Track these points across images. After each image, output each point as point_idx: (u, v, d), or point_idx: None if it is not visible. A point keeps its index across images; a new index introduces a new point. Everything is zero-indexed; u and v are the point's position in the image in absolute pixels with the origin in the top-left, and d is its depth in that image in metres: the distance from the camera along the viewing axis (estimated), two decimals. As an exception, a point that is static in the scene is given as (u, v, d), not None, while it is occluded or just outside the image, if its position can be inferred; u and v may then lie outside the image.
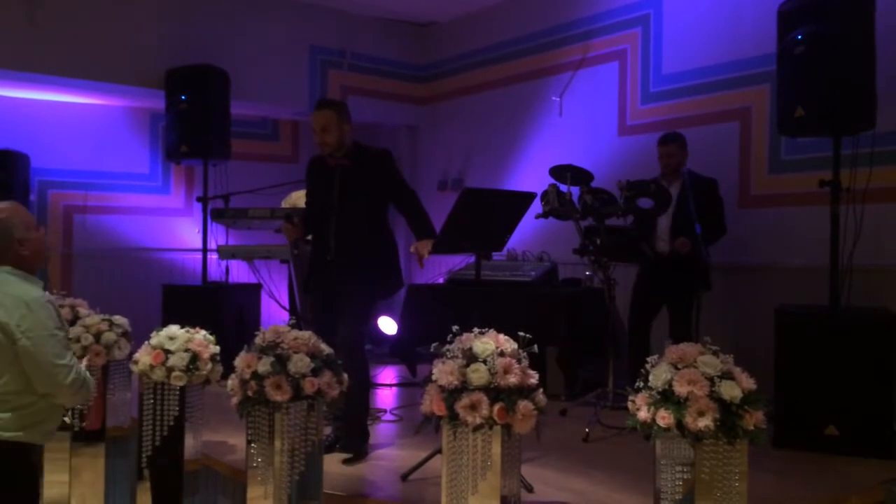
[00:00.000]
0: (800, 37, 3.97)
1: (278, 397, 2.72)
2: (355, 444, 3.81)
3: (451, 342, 2.52)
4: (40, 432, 2.54)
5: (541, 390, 2.47)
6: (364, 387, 3.89)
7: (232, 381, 2.81)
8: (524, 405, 2.37)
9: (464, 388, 2.39)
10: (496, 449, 2.39)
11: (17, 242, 2.54)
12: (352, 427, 3.83)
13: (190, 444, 3.35)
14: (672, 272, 4.91)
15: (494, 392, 2.37)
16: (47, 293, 2.60)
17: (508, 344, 2.49)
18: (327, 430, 3.73)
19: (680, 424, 2.22)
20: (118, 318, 3.83)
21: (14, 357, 2.43)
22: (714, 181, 4.98)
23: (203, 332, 3.45)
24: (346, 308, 3.81)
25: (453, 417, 2.39)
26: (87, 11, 6.12)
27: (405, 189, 3.98)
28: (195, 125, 6.20)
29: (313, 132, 3.86)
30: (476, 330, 2.54)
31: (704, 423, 2.20)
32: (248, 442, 2.90)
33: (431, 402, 2.44)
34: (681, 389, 2.25)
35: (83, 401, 2.81)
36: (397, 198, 3.94)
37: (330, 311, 3.88)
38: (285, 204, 5.94)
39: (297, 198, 6.15)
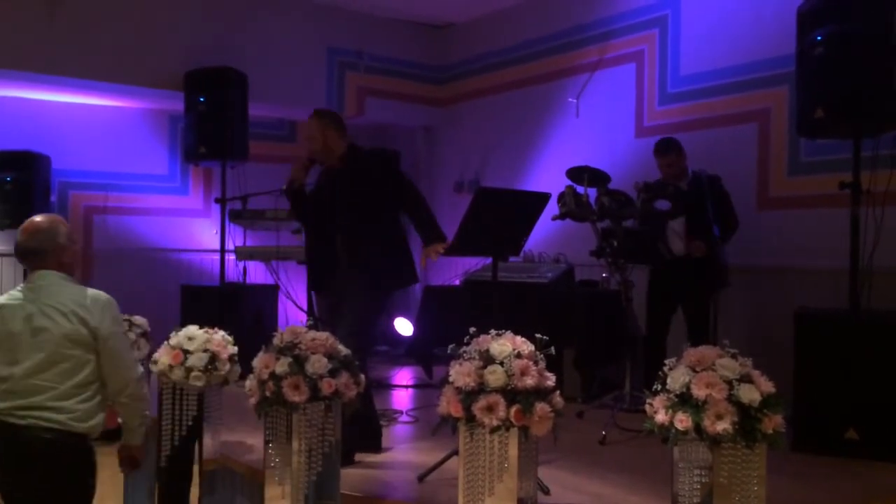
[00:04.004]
0: (819, 37, 3.94)
1: (296, 398, 2.73)
2: (367, 441, 3.84)
3: (468, 344, 2.52)
4: (98, 425, 2.67)
5: (557, 392, 2.47)
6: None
7: (250, 382, 2.83)
8: (541, 407, 2.37)
9: (481, 389, 2.39)
10: (513, 451, 2.39)
11: (61, 248, 2.71)
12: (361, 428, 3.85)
13: (208, 443, 3.37)
14: (687, 274, 4.89)
15: (511, 394, 2.37)
16: None
17: (525, 346, 2.49)
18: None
19: (698, 428, 2.21)
20: (137, 319, 3.87)
21: (94, 351, 2.62)
22: (717, 177, 4.95)
23: (221, 332, 3.47)
24: (347, 308, 3.81)
25: (470, 419, 2.39)
26: (106, 14, 6.17)
27: (407, 190, 3.94)
28: (213, 127, 6.24)
29: None
30: (493, 332, 2.54)
31: (723, 426, 2.18)
32: (266, 442, 2.92)
33: (448, 404, 2.44)
34: (699, 392, 2.23)
35: (146, 396, 2.89)
36: (399, 197, 3.91)
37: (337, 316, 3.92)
38: None
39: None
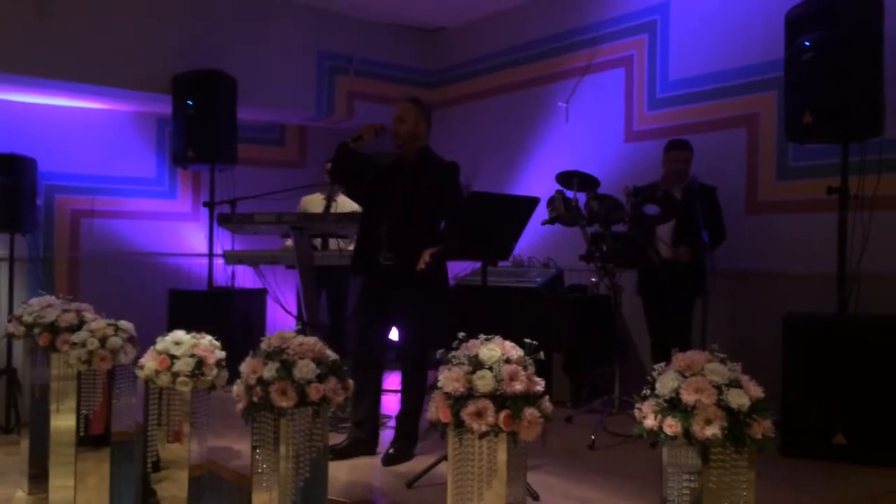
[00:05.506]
0: (808, 43, 3.97)
1: (283, 403, 2.71)
2: (407, 447, 3.87)
3: (456, 348, 2.51)
4: None
5: (547, 397, 2.46)
6: (423, 396, 3.94)
7: (237, 387, 2.81)
8: (530, 412, 2.35)
9: (470, 395, 2.38)
10: (502, 456, 2.37)
11: None
12: (407, 431, 3.90)
13: (195, 449, 3.34)
14: (669, 279, 4.91)
15: (500, 399, 2.36)
16: None
17: (514, 351, 2.48)
18: (339, 438, 3.74)
19: (687, 433, 2.21)
20: (124, 323, 3.84)
21: None
22: (713, 188, 4.98)
23: (209, 337, 3.45)
24: (412, 320, 3.90)
25: (459, 424, 2.38)
26: (94, 16, 6.13)
27: (459, 204, 3.97)
28: (202, 130, 6.22)
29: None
30: (482, 336, 2.53)
31: (712, 431, 2.18)
32: (253, 448, 2.90)
33: (437, 409, 2.43)
34: (688, 397, 2.23)
35: None
36: (449, 208, 3.93)
37: (379, 319, 3.95)
38: (302, 209, 5.97)
39: (307, 203, 6.16)
